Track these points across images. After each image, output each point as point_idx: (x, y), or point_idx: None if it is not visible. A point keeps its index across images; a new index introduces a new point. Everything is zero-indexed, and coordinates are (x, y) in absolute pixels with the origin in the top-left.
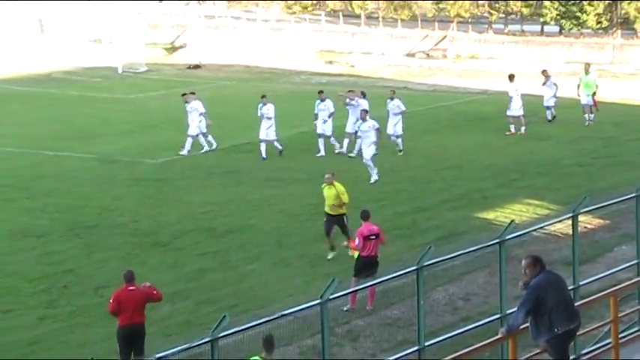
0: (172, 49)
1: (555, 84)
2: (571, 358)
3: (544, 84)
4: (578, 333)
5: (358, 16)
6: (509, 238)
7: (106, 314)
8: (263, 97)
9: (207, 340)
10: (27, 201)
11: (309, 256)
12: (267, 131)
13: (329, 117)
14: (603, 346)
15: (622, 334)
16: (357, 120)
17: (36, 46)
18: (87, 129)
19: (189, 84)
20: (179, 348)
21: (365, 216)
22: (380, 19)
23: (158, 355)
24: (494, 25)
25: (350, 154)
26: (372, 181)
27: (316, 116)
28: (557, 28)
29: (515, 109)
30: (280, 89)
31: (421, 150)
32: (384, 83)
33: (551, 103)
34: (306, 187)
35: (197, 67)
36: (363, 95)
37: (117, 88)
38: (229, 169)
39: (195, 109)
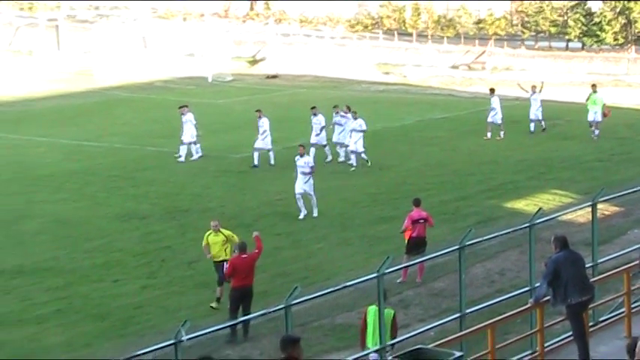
0: (254, 61)
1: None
2: (590, 324)
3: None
4: (594, 304)
5: (410, 34)
6: (537, 223)
7: (197, 284)
8: (313, 108)
9: (281, 307)
10: (132, 189)
11: (368, 237)
12: (318, 138)
13: (321, 130)
14: (618, 314)
15: (634, 305)
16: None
17: (140, 58)
18: (180, 128)
19: (268, 91)
20: (258, 313)
21: (416, 202)
22: (429, 36)
23: (243, 318)
24: (526, 42)
25: (349, 162)
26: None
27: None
28: (579, 45)
29: (497, 117)
30: (345, 95)
31: (464, 147)
32: (432, 91)
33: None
34: (366, 179)
35: (274, 77)
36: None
37: (207, 94)
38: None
39: (189, 120)
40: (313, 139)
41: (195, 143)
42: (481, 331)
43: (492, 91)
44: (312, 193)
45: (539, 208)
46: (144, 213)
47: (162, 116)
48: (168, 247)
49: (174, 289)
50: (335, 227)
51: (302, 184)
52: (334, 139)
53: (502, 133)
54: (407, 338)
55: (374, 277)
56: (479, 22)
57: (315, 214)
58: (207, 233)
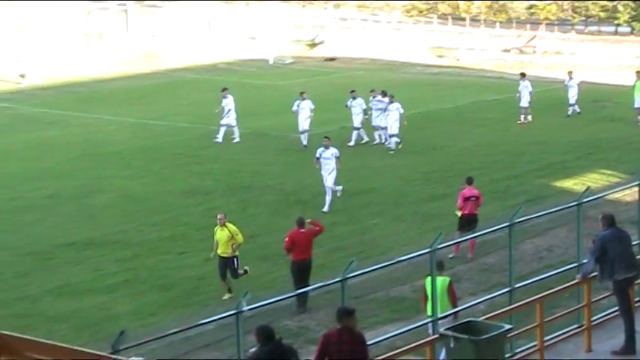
0: (313, 45)
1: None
2: (636, 300)
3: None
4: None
5: (464, 19)
6: (585, 201)
7: (257, 257)
8: (372, 91)
9: (338, 279)
10: (196, 166)
11: (421, 214)
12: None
13: (360, 113)
14: None
15: None
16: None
17: (204, 41)
18: (244, 109)
19: (326, 73)
20: (316, 285)
21: (469, 181)
22: (482, 21)
23: (299, 291)
24: (576, 27)
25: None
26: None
27: (351, 111)
28: (628, 29)
29: (524, 101)
30: (400, 78)
31: (514, 128)
32: (484, 74)
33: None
34: (419, 158)
35: (332, 59)
36: (385, 94)
37: (268, 76)
38: (358, 142)
39: (229, 103)
40: (356, 123)
41: (230, 126)
42: (530, 305)
43: (523, 75)
44: (332, 186)
45: (587, 187)
46: (207, 189)
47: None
48: (230, 222)
49: None
50: (389, 204)
51: (327, 176)
52: (373, 123)
53: (527, 117)
54: (458, 311)
55: (427, 253)
56: (530, 7)
57: (339, 193)
58: (215, 228)
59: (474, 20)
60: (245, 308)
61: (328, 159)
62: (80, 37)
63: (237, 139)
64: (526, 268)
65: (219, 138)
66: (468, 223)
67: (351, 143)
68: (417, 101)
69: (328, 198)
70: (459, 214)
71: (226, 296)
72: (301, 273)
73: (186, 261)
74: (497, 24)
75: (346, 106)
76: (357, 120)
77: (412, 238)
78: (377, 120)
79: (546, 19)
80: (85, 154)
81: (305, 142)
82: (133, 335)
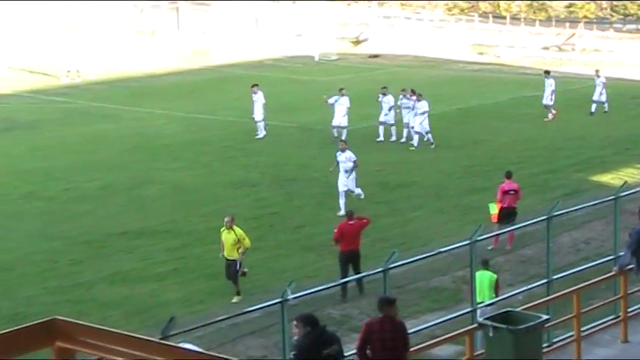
0: (357, 42)
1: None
2: None
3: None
4: None
5: (504, 17)
6: (622, 195)
7: (302, 248)
8: (383, 87)
9: (380, 270)
10: (243, 159)
11: (461, 206)
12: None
13: (389, 109)
14: None
15: None
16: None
17: (252, 38)
18: (290, 104)
19: (370, 70)
20: (358, 275)
21: (508, 175)
22: (522, 19)
23: (342, 280)
24: (614, 25)
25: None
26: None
27: (382, 107)
28: None
29: (548, 99)
30: (441, 75)
31: (553, 124)
32: (523, 71)
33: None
34: (460, 152)
35: (376, 56)
36: (414, 92)
37: (314, 72)
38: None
39: (259, 99)
40: (382, 118)
41: (256, 121)
42: (567, 297)
43: (547, 73)
44: (354, 189)
45: (624, 182)
46: (254, 181)
47: (271, 92)
48: (276, 213)
49: (281, 251)
50: (430, 197)
51: (345, 180)
52: (404, 121)
53: (550, 115)
54: (497, 302)
55: (467, 244)
56: (569, 5)
57: (362, 195)
58: (222, 229)
59: (514, 18)
60: (290, 297)
61: (344, 162)
62: (133, 34)
63: (259, 135)
64: (563, 260)
65: (260, 134)
66: (507, 215)
67: (380, 139)
68: (458, 97)
69: (342, 201)
70: (496, 209)
71: (235, 299)
72: (349, 262)
73: None
74: (537, 22)
75: (377, 100)
76: (383, 116)
77: (452, 230)
78: (406, 118)
79: (585, 17)
80: (137, 147)
81: (343, 137)
82: (182, 322)
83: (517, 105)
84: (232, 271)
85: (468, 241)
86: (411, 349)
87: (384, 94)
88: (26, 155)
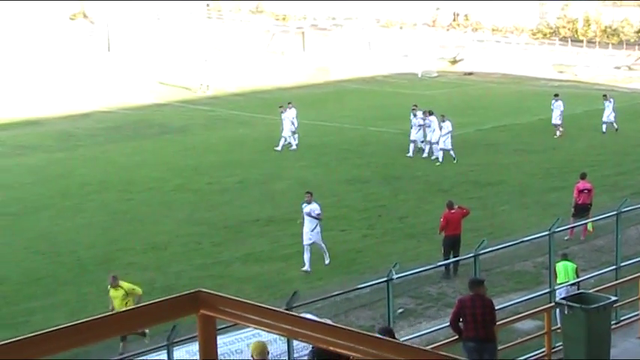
0: (454, 61)
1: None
2: None
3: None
4: None
5: (581, 41)
6: None
7: (406, 235)
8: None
9: (471, 255)
10: (357, 159)
11: (542, 203)
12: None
13: (419, 127)
14: None
15: None
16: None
17: (365, 58)
18: (396, 114)
19: (464, 85)
20: (452, 260)
21: (582, 176)
22: (597, 43)
23: (444, 262)
24: None
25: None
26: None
27: (412, 126)
28: None
29: (559, 117)
30: (526, 90)
31: (623, 132)
32: (598, 87)
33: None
34: (541, 156)
35: (470, 74)
36: (430, 113)
37: (417, 87)
38: (489, 142)
39: (287, 117)
40: (413, 136)
41: (293, 133)
42: (633, 281)
43: (556, 95)
44: (320, 242)
45: None
46: (365, 178)
47: (381, 104)
48: (384, 206)
49: (387, 238)
50: (515, 194)
51: (309, 232)
52: (427, 138)
53: (558, 132)
54: (573, 283)
55: (546, 235)
56: (638, 31)
57: (327, 260)
58: (108, 287)
59: (590, 42)
60: (394, 276)
61: (309, 214)
62: (266, 54)
63: (278, 148)
64: (630, 250)
65: (293, 145)
66: (581, 210)
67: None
68: (541, 110)
69: (306, 256)
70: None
71: (147, 340)
72: (453, 246)
73: (347, 236)
74: (610, 45)
75: (419, 121)
76: (414, 134)
77: (534, 222)
78: (413, 134)
79: None
80: (268, 149)
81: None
82: (304, 295)
83: (591, 116)
84: None
85: (547, 232)
86: (498, 323)
87: (414, 115)
88: (177, 154)
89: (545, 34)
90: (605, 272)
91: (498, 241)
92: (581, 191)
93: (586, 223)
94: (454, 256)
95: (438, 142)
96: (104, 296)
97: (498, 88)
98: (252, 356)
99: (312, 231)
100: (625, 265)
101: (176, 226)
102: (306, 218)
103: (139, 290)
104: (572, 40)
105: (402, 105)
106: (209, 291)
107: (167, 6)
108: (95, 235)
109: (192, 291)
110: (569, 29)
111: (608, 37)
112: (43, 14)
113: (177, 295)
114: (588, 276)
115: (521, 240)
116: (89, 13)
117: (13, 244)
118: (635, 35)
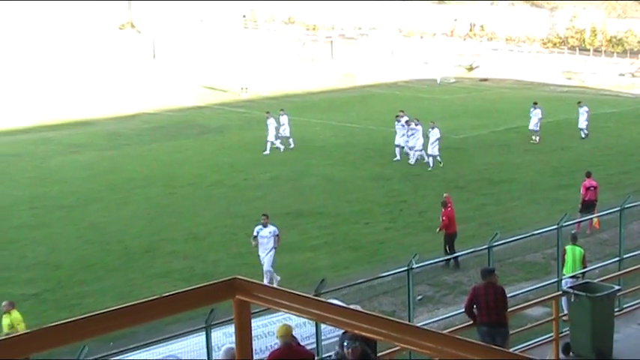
0: (470, 68)
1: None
2: None
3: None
4: None
5: (588, 50)
6: None
7: (424, 228)
8: (535, 103)
9: (485, 247)
10: (380, 158)
11: (550, 199)
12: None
13: (403, 133)
14: None
15: None
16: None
17: (389, 65)
18: (417, 116)
19: (480, 90)
20: (467, 251)
21: (588, 174)
22: (602, 52)
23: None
24: None
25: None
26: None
27: (396, 131)
28: None
29: (536, 125)
30: (537, 95)
31: (626, 135)
32: (603, 92)
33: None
34: (550, 156)
35: (485, 80)
36: (417, 122)
37: (436, 92)
38: (503, 143)
39: (271, 123)
40: (397, 141)
41: (276, 138)
42: (635, 272)
43: (535, 104)
44: (271, 268)
45: None
46: (388, 176)
47: (402, 107)
48: (405, 201)
49: (408, 231)
50: (526, 190)
51: (263, 256)
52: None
53: (537, 138)
54: (581, 273)
55: (554, 229)
56: None
57: (275, 283)
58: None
59: (597, 51)
60: (414, 266)
61: (266, 237)
62: (297, 61)
63: (266, 152)
64: (633, 243)
65: (281, 148)
66: (587, 206)
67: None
68: (550, 113)
69: (266, 281)
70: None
71: None
72: (452, 241)
73: (370, 229)
74: (615, 54)
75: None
76: (398, 138)
77: (543, 217)
78: (397, 138)
79: None
80: (298, 148)
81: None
82: (331, 283)
83: (597, 119)
84: None
85: (555, 226)
86: (509, 310)
87: (398, 121)
88: (215, 153)
89: (554, 44)
90: (609, 263)
91: (510, 234)
92: (587, 188)
93: (592, 218)
94: (451, 252)
95: (420, 149)
96: (149, 282)
97: (511, 93)
98: (277, 337)
99: (266, 255)
100: (628, 257)
101: (214, 219)
102: (261, 242)
103: (22, 327)
104: (579, 49)
105: (421, 108)
106: (244, 278)
107: (208, 10)
108: (140, 226)
109: (228, 278)
110: (577, 39)
111: (613, 46)
112: (95, 25)
113: (215, 281)
114: (593, 267)
115: (531, 233)
116: (136, 23)
117: (67, 234)
118: (638, 45)
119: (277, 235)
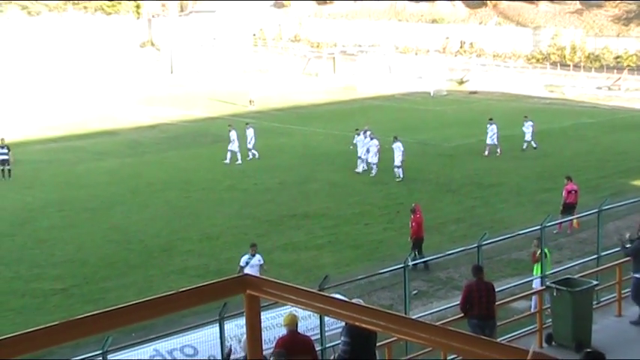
0: (461, 82)
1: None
2: None
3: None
4: None
5: (568, 65)
6: None
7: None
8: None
9: (474, 246)
10: (379, 165)
11: (535, 201)
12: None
13: (363, 147)
14: None
15: None
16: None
17: (386, 79)
18: (412, 125)
19: (469, 102)
20: (459, 249)
21: (569, 178)
22: (581, 66)
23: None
24: None
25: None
26: None
27: (356, 146)
28: None
29: (491, 138)
30: (522, 106)
31: (604, 142)
32: (582, 104)
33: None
34: (535, 162)
35: (475, 93)
36: (372, 138)
37: (429, 104)
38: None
39: (231, 135)
40: (359, 153)
41: (249, 150)
42: (612, 268)
43: (490, 119)
44: None
45: None
46: (386, 180)
47: (400, 117)
48: (401, 204)
49: (404, 231)
50: (513, 194)
51: None
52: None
53: (496, 151)
54: (559, 271)
55: (538, 229)
56: (617, 57)
57: None
58: None
59: (576, 66)
60: (410, 263)
61: (255, 266)
62: (302, 75)
63: (226, 161)
64: (609, 241)
65: (239, 160)
66: (569, 208)
67: (358, 170)
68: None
69: None
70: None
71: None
72: (421, 245)
73: (370, 229)
74: (593, 69)
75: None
76: (361, 151)
77: (528, 218)
78: (360, 151)
79: (628, 65)
80: (304, 155)
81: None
82: (334, 279)
83: (577, 128)
84: None
85: (539, 226)
86: (497, 303)
87: (358, 134)
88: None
89: (538, 60)
90: (588, 260)
91: (498, 234)
92: (569, 192)
93: (572, 219)
94: (420, 257)
95: (369, 159)
96: (167, 278)
97: (498, 104)
98: (283, 325)
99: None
100: (605, 255)
101: (227, 220)
102: (251, 271)
103: None
104: (560, 65)
105: (416, 118)
106: (254, 275)
107: (221, 29)
108: (159, 227)
109: (240, 274)
110: (558, 55)
111: (591, 62)
112: (119, 43)
113: (228, 277)
114: (574, 263)
115: (517, 233)
116: (156, 41)
117: (92, 234)
118: (613, 61)
119: (261, 265)
